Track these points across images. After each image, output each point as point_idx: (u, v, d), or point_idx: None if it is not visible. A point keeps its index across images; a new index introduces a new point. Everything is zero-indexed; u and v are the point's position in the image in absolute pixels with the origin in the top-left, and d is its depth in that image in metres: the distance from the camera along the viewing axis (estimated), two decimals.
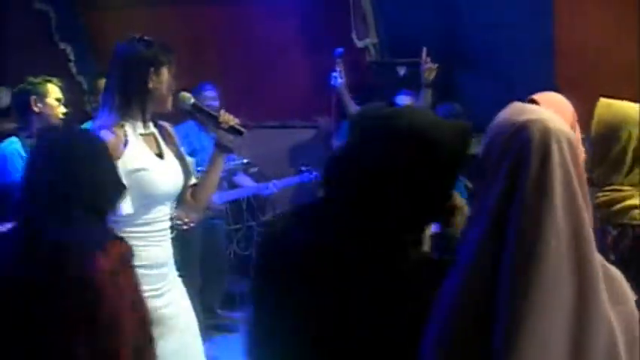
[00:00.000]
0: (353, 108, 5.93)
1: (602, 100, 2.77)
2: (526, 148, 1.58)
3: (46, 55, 7.71)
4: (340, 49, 6.15)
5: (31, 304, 2.10)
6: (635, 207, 2.56)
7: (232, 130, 3.34)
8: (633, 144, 2.63)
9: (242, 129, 3.36)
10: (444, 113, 6.07)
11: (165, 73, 3.25)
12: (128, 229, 3.06)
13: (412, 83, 6.17)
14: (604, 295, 1.59)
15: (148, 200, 3.16)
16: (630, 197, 2.62)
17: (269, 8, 7.26)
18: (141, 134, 3.27)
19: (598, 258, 1.62)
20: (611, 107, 2.72)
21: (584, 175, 1.64)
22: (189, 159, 3.54)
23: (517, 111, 1.70)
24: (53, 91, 4.72)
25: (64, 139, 2.49)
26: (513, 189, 1.57)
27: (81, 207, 2.28)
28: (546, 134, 1.58)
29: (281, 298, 1.87)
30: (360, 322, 1.77)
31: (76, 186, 2.31)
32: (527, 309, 1.52)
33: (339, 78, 5.97)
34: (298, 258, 1.85)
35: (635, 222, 2.61)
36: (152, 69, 3.21)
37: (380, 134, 1.82)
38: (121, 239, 2.34)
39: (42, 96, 4.67)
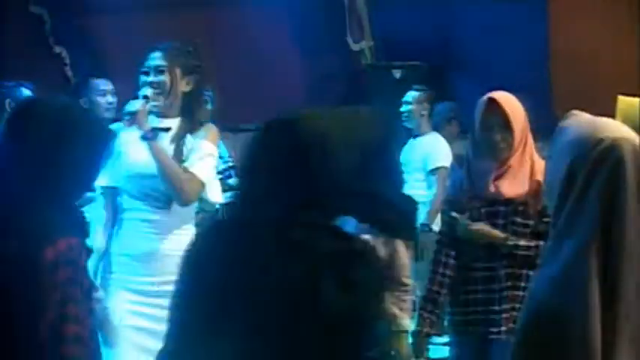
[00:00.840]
0: None
1: (622, 99, 2.76)
2: (622, 168, 1.68)
3: (41, 58, 7.70)
4: None
5: None
6: None
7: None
8: None
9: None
10: (441, 113, 6.08)
11: None
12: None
13: (407, 86, 6.17)
14: None
15: None
16: None
17: (265, 12, 7.26)
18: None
19: None
20: (634, 106, 2.72)
21: None
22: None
23: (594, 127, 1.76)
24: (27, 95, 4.73)
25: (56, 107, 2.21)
26: (612, 209, 1.67)
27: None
28: (637, 153, 1.70)
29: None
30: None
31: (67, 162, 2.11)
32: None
33: None
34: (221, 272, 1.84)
35: None
36: None
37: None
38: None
39: (16, 99, 4.68)
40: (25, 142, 2.11)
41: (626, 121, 2.60)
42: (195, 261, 1.88)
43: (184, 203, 3.26)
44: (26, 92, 4.74)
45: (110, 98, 5.02)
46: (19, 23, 7.86)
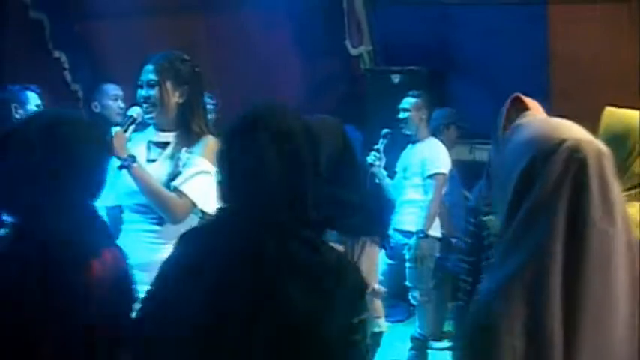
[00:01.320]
0: (386, 184, 5.81)
1: (608, 109, 2.77)
2: (586, 167, 1.67)
3: (41, 63, 7.71)
4: (387, 130, 5.89)
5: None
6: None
7: None
8: (638, 150, 2.64)
9: None
10: (440, 119, 6.08)
11: None
12: None
13: (406, 91, 6.17)
14: None
15: None
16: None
17: (265, 17, 7.27)
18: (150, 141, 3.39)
19: None
20: (617, 116, 2.73)
21: None
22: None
23: (553, 127, 1.76)
24: (33, 99, 4.75)
25: (64, 118, 2.18)
26: (577, 207, 1.66)
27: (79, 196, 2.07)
28: (600, 156, 1.70)
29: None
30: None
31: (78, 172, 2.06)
32: (598, 316, 1.64)
33: (378, 158, 5.69)
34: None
35: None
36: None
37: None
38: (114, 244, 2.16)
39: (22, 103, 4.69)
40: (50, 153, 2.04)
41: (607, 131, 2.62)
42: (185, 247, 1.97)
43: (173, 223, 3.24)
44: (32, 95, 4.75)
45: (121, 103, 5.05)
46: (18, 28, 7.86)
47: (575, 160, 1.67)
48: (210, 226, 2.03)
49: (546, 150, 1.69)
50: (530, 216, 1.68)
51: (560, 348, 1.62)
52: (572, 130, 1.74)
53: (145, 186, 3.23)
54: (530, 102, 2.87)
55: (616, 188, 1.70)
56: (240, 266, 1.85)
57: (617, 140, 2.61)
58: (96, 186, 2.17)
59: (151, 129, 3.42)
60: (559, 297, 1.63)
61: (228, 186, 1.93)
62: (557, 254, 1.64)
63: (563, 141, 1.69)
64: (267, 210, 1.86)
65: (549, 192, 1.67)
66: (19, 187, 2.04)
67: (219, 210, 1.97)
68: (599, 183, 1.67)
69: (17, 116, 4.67)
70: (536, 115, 1.81)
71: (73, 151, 2.07)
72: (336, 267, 1.85)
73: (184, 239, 2.03)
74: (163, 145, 3.37)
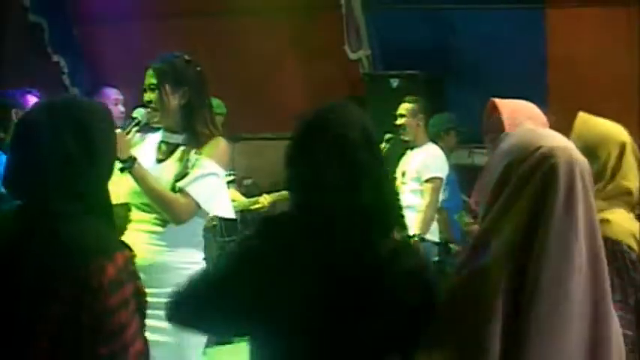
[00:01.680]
0: None
1: (581, 116, 2.76)
2: (554, 175, 1.75)
3: (40, 67, 7.72)
4: (390, 135, 5.85)
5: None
6: (607, 220, 2.55)
7: None
8: (612, 163, 2.63)
9: None
10: (439, 124, 6.09)
11: None
12: None
13: (405, 95, 6.18)
14: (613, 310, 1.82)
15: None
16: (601, 211, 2.61)
17: (263, 21, 7.28)
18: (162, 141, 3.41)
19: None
20: (589, 125, 2.72)
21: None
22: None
23: (535, 136, 1.85)
24: (33, 103, 4.73)
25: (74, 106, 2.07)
26: (539, 211, 1.74)
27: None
28: (571, 163, 1.77)
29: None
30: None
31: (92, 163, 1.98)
32: (555, 320, 1.71)
33: None
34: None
35: (608, 236, 2.61)
36: None
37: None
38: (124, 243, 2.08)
39: (22, 107, 4.68)
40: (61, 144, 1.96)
41: (579, 137, 2.61)
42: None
43: (176, 224, 3.25)
44: (33, 100, 4.74)
45: (121, 107, 5.05)
46: (17, 32, 7.87)
47: (547, 163, 1.75)
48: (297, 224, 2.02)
49: (522, 155, 1.79)
50: (499, 213, 1.78)
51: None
52: (553, 140, 1.83)
53: (146, 187, 3.23)
54: (503, 106, 2.91)
55: (585, 196, 1.77)
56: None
57: (589, 150, 2.60)
58: (108, 171, 2.12)
59: (162, 130, 3.43)
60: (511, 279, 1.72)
61: (312, 184, 1.96)
62: (517, 243, 1.73)
63: (538, 148, 1.78)
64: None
65: (517, 191, 1.76)
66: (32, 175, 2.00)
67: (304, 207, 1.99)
68: (566, 187, 1.74)
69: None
70: (529, 127, 1.92)
71: (88, 135, 2.00)
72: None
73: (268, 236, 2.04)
74: (174, 146, 3.37)
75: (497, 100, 2.93)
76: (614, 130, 2.67)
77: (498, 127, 3.01)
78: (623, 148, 2.59)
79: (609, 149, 2.61)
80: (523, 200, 1.75)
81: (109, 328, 1.92)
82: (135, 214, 3.33)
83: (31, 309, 1.92)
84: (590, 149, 2.56)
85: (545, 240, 1.72)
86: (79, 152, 1.98)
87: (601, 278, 1.77)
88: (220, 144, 3.33)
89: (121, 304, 1.95)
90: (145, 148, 3.40)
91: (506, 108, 3.02)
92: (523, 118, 2.98)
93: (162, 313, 3.20)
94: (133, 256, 2.04)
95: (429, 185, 5.65)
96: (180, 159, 3.32)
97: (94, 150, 2.00)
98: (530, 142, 1.81)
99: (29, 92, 4.78)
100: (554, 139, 1.83)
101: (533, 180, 1.75)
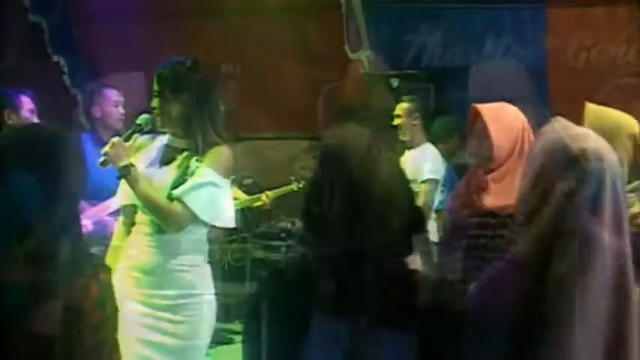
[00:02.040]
0: None
1: (590, 108, 2.76)
2: (584, 176, 1.83)
3: (40, 67, 7.71)
4: None
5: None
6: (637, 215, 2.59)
7: None
8: (627, 155, 2.64)
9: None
10: (442, 127, 6.09)
11: None
12: None
13: (404, 95, 6.17)
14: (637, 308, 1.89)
15: None
16: (632, 205, 2.63)
17: (263, 21, 7.28)
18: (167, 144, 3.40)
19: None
20: (602, 117, 2.72)
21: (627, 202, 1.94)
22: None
23: (567, 136, 1.92)
24: (26, 103, 4.72)
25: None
26: (569, 208, 1.83)
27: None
28: (601, 163, 1.86)
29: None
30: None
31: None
32: (576, 314, 1.78)
33: None
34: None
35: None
36: None
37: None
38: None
39: (15, 108, 4.66)
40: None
41: (593, 129, 2.61)
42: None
43: (171, 232, 3.23)
44: (26, 100, 4.72)
45: (121, 109, 5.03)
46: (17, 32, 7.87)
47: (577, 165, 1.84)
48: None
49: (554, 158, 1.89)
50: (533, 211, 1.86)
51: None
52: (585, 140, 1.90)
53: (141, 194, 3.21)
54: (485, 111, 2.92)
55: (614, 195, 1.85)
56: None
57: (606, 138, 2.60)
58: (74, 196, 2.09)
59: (168, 133, 3.41)
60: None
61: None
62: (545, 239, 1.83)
63: (570, 148, 1.87)
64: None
65: (548, 190, 1.85)
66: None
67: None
68: (595, 188, 1.83)
69: (9, 122, 4.64)
70: (562, 122, 2.02)
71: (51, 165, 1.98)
72: None
73: None
74: (178, 151, 3.34)
75: (479, 106, 2.96)
76: (628, 122, 2.70)
77: (482, 132, 3.03)
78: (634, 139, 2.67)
79: (624, 142, 2.64)
80: (553, 199, 1.82)
81: (89, 345, 1.93)
82: (139, 216, 3.33)
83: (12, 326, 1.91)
84: (607, 137, 2.58)
85: (572, 238, 1.80)
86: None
87: (626, 277, 1.84)
88: (222, 152, 3.29)
89: (102, 321, 1.97)
90: (153, 149, 3.39)
91: (488, 112, 3.03)
92: (506, 121, 3.01)
93: (163, 314, 3.24)
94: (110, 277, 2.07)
95: (423, 186, 5.66)
96: (181, 165, 3.29)
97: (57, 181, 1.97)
98: (562, 142, 1.89)
99: (23, 92, 4.75)
100: (586, 140, 1.91)
101: (564, 180, 1.83)
